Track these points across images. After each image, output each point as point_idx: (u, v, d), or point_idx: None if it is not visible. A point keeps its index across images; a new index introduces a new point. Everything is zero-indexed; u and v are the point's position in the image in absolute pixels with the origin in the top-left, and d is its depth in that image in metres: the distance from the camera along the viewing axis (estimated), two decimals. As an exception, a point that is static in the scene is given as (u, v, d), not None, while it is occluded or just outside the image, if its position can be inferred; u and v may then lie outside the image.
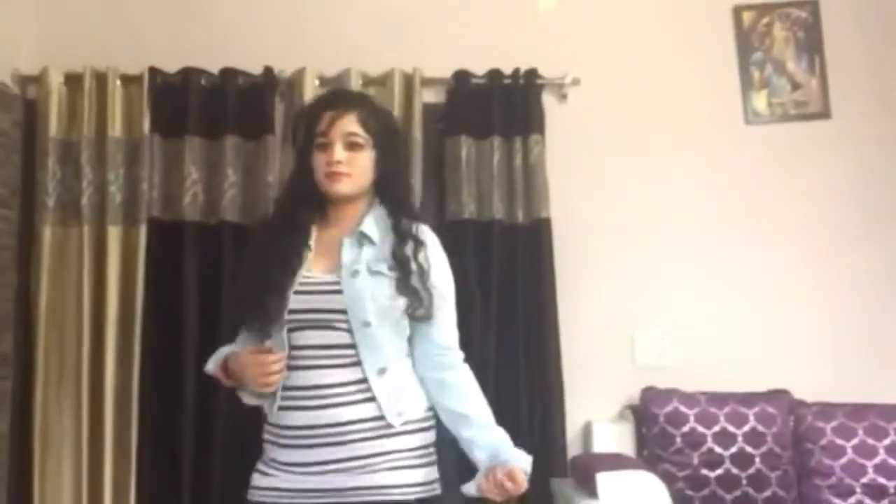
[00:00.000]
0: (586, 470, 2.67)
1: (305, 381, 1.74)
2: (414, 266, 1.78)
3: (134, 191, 3.04)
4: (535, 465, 2.91)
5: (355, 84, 3.10)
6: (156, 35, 3.19)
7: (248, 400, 1.86)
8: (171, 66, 3.09)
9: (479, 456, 1.81)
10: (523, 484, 1.79)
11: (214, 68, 3.10)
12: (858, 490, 2.79)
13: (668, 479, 2.69)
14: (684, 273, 3.24)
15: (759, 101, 3.31)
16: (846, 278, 3.25)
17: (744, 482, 2.82)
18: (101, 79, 3.05)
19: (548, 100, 3.21)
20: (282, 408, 1.78)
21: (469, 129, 3.15)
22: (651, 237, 3.24)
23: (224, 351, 1.91)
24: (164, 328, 3.01)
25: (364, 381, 1.74)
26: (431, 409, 1.87)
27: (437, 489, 1.84)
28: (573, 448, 3.08)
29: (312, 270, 1.78)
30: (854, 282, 3.25)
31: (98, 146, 3.04)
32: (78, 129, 3.04)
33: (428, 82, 3.16)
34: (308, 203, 1.84)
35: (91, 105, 3.04)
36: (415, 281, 1.78)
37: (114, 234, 3.01)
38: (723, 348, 3.20)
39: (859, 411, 2.91)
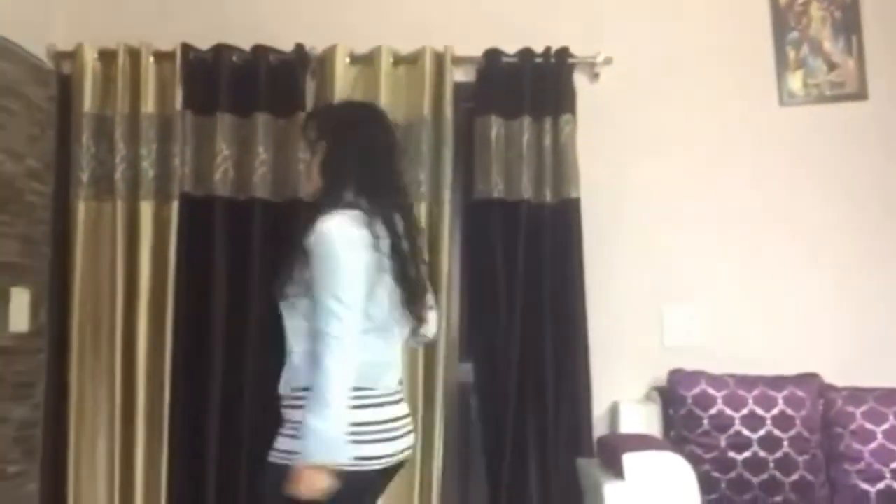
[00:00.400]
0: (613, 450, 2.67)
1: None
2: None
3: (166, 166, 3.06)
4: (562, 444, 2.98)
5: (386, 62, 3.10)
6: (189, 12, 3.21)
7: None
8: (203, 43, 3.10)
9: None
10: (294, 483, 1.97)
11: (246, 45, 3.11)
12: (888, 475, 2.77)
13: (695, 460, 2.69)
14: (714, 255, 3.22)
15: (795, 81, 3.26)
16: (880, 262, 3.22)
17: (771, 465, 2.81)
18: (134, 55, 3.07)
19: (579, 79, 3.18)
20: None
21: (499, 108, 3.14)
22: (681, 218, 3.22)
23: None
24: (195, 302, 3.04)
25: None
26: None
27: None
28: (599, 428, 3.08)
29: None
30: (889, 266, 3.21)
31: (131, 122, 3.06)
32: (112, 105, 3.07)
33: (459, 61, 3.14)
34: None
35: (124, 81, 3.06)
36: None
37: (146, 209, 3.04)
38: (752, 331, 3.18)
39: (890, 396, 2.88)
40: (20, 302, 2.89)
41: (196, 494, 2.99)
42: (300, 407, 2.01)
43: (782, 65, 3.26)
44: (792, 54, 3.27)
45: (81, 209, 3.05)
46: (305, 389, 2.02)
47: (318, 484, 1.94)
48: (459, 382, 3.20)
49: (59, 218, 3.08)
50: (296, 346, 2.11)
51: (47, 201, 3.06)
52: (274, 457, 2.06)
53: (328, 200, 2.14)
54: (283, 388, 2.12)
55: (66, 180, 3.07)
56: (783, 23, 3.27)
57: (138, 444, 2.97)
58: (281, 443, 2.07)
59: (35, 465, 2.99)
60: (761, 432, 2.83)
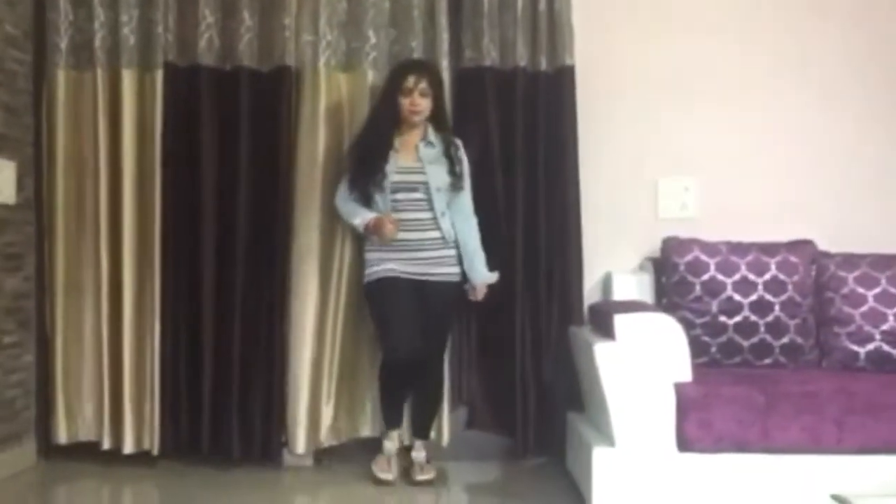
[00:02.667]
0: (604, 315, 2.67)
1: (404, 217, 2.91)
2: (456, 160, 2.96)
3: (148, 34, 2.97)
4: (555, 313, 2.99)
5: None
6: None
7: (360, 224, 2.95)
8: None
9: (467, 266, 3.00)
10: (479, 291, 3.00)
11: None
12: (878, 337, 2.79)
13: (687, 325, 2.69)
14: (709, 124, 3.18)
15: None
16: (876, 130, 3.17)
17: (762, 329, 2.82)
18: (111, -86, 2.94)
19: (575, -60, 3.07)
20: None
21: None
22: (677, 87, 3.17)
23: (363, 214, 2.94)
24: (183, 175, 3.00)
25: (434, 218, 2.93)
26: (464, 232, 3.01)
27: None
28: (592, 298, 3.09)
29: (401, 160, 2.92)
30: (885, 134, 3.17)
31: (110, -14, 2.96)
32: (89, -32, 2.96)
33: (452, -78, 3.02)
34: (393, 123, 2.93)
35: (102, -57, 2.95)
36: (456, 168, 2.94)
37: (128, 78, 2.97)
38: (747, 201, 3.16)
39: (884, 261, 2.88)
40: (6, 173, 2.85)
41: (190, 366, 3.01)
42: (455, 247, 2.97)
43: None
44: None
45: (61, 78, 2.98)
46: (455, 239, 2.98)
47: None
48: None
49: (39, 88, 3.00)
50: (446, 211, 2.95)
51: (27, 70, 2.99)
52: (457, 277, 2.97)
53: (449, 127, 3.03)
54: (448, 237, 2.95)
55: (44, 49, 2.99)
56: None
57: (125, 318, 2.97)
58: (456, 269, 2.97)
59: (30, 335, 3.01)
60: (753, 297, 2.83)
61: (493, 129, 3.06)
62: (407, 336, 2.85)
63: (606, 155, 3.14)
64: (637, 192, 3.19)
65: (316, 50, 3.02)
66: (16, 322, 2.92)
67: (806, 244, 2.95)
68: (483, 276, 2.97)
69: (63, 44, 2.98)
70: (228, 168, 3.01)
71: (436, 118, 2.97)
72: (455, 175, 2.93)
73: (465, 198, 2.99)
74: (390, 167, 2.90)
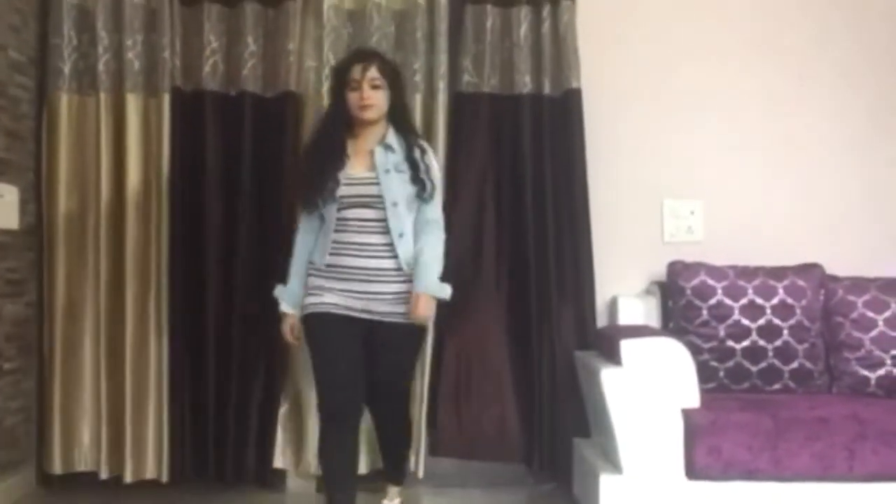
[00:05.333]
0: (610, 339, 2.64)
1: (350, 239, 2.52)
2: (422, 166, 2.55)
3: (153, 59, 2.97)
4: (563, 338, 2.94)
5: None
6: None
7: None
8: (187, -74, 2.98)
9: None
10: (421, 305, 2.48)
11: (231, -71, 2.99)
12: (889, 362, 2.75)
13: (694, 350, 2.65)
14: (716, 146, 3.16)
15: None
16: (884, 154, 3.15)
17: (770, 354, 2.79)
18: (115, -60, 2.96)
19: (578, -37, 3.07)
20: (332, 254, 2.54)
21: (494, -4, 3.04)
22: (684, 108, 3.16)
23: (284, 300, 2.62)
24: (188, 200, 2.98)
25: (390, 242, 2.51)
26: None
27: None
28: (599, 323, 3.05)
29: (353, 170, 2.53)
30: (892, 158, 3.14)
31: (114, 11, 2.97)
32: (93, -6, 2.97)
33: (454, -54, 3.03)
34: (344, 125, 2.58)
35: (106, -31, 2.96)
36: (422, 175, 2.54)
37: (133, 102, 2.97)
38: (754, 224, 3.14)
39: (894, 285, 2.85)
40: (9, 199, 2.84)
41: (193, 391, 2.98)
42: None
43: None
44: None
45: (64, 102, 2.98)
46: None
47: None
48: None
49: (41, 112, 3.00)
50: (407, 231, 2.52)
51: (31, 96, 2.99)
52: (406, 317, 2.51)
53: (413, 126, 2.71)
54: (405, 266, 2.51)
55: (47, 74, 2.99)
56: None
57: (127, 344, 2.94)
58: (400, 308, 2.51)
59: (31, 361, 2.98)
60: (761, 321, 2.80)
61: (493, 154, 3.04)
62: (341, 393, 2.44)
63: (611, 178, 3.12)
64: (643, 215, 3.17)
65: (320, 75, 3.02)
66: (17, 348, 2.90)
67: (814, 268, 2.92)
68: (428, 284, 2.48)
69: (66, 68, 2.98)
70: (233, 193, 2.99)
71: (396, 117, 2.59)
72: (419, 183, 2.51)
73: (432, 210, 2.57)
74: (340, 176, 2.50)
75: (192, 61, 3.02)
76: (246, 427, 2.94)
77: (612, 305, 3.08)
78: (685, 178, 3.16)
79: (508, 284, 3.05)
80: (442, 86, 3.01)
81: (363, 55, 2.61)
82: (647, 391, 2.46)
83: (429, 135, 2.99)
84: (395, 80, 2.59)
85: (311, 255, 2.58)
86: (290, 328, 2.62)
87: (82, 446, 2.97)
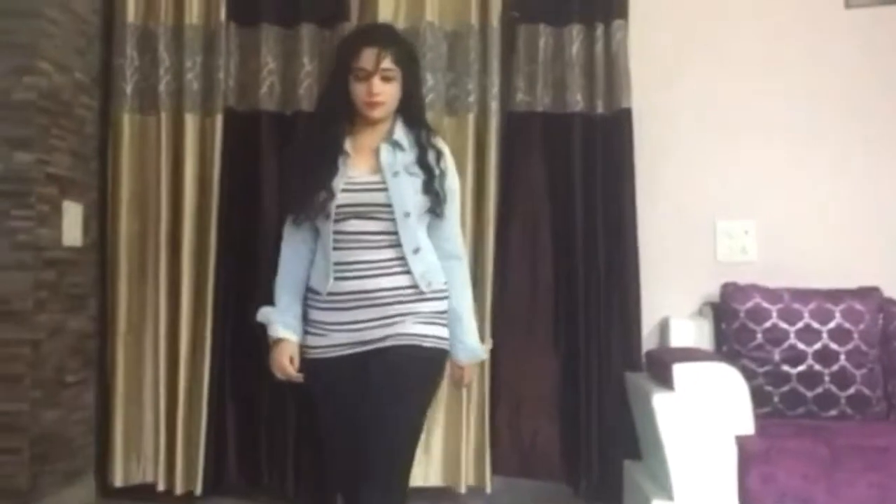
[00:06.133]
0: (661, 363, 2.63)
1: (353, 258, 2.10)
2: (437, 171, 2.15)
3: (210, 79, 3.04)
4: (612, 359, 2.94)
5: (431, -28, 3.01)
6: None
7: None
8: (244, -49, 3.04)
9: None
10: (467, 375, 2.26)
11: (286, -47, 3.04)
12: (951, 390, 2.70)
13: (748, 374, 2.62)
14: (771, 165, 3.12)
15: (863, -18, 3.09)
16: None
17: (826, 379, 2.74)
18: (177, -35, 3.03)
19: (631, -19, 3.07)
20: (335, 278, 2.11)
21: (547, 16, 3.05)
22: (737, 127, 3.12)
23: (275, 321, 2.19)
24: (241, 218, 3.04)
25: (402, 258, 2.10)
26: (447, 282, 2.21)
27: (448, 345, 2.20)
28: (649, 344, 3.04)
29: (354, 172, 2.11)
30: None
31: (175, 34, 3.04)
32: (155, 17, 3.04)
33: (506, -33, 3.05)
34: (343, 118, 2.16)
35: (168, -8, 3.04)
36: (436, 184, 2.14)
37: (190, 122, 3.03)
38: (809, 245, 3.09)
39: (955, 309, 2.79)
40: (73, 216, 2.92)
41: (241, 407, 3.03)
42: (443, 298, 2.16)
43: (849, -35, 3.09)
44: (859, -47, 3.09)
45: (126, 122, 3.05)
46: (445, 283, 2.18)
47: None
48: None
49: (105, 132, 3.08)
50: (423, 246, 2.15)
51: (95, 115, 3.07)
52: (439, 343, 2.14)
53: (426, 121, 2.28)
54: (422, 284, 2.12)
55: (111, 95, 3.07)
56: (851, -80, 3.08)
57: (181, 360, 3.00)
58: (436, 330, 2.14)
59: (92, 374, 3.06)
60: (817, 346, 2.76)
61: (545, 173, 3.04)
62: (355, 462, 2.01)
63: (663, 198, 3.10)
64: (695, 236, 3.13)
65: (373, 94, 3.05)
66: (80, 361, 2.98)
67: (872, 291, 2.86)
68: (472, 350, 2.20)
69: (129, 88, 3.05)
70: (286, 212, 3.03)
71: (406, 109, 2.18)
72: (433, 193, 2.12)
73: (448, 228, 2.18)
74: (337, 182, 2.08)
75: (250, 82, 3.07)
76: (300, 443, 2.98)
77: (664, 326, 3.06)
78: (738, 197, 3.13)
79: (559, 303, 3.05)
80: (495, 106, 3.02)
81: (377, 37, 2.16)
82: (700, 417, 2.44)
83: (482, 155, 3.01)
84: (410, 69, 2.17)
85: (306, 278, 2.18)
86: (291, 359, 2.16)
87: (142, 458, 3.04)
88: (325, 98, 2.27)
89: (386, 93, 2.12)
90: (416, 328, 2.08)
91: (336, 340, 2.12)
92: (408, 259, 2.09)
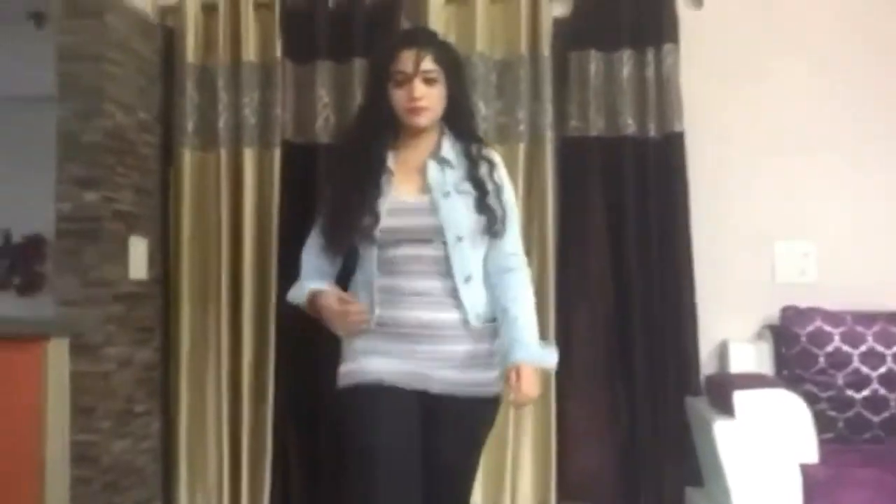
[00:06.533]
0: (722, 388, 2.61)
1: (403, 286, 1.97)
2: (490, 186, 2.02)
3: (267, 115, 3.11)
4: (670, 383, 2.92)
5: (482, 2, 3.04)
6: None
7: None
8: (300, -10, 3.12)
9: (502, 348, 2.03)
10: (526, 380, 1.94)
11: (341, -10, 3.11)
12: None
13: (810, 399, 2.60)
14: (829, 186, 3.08)
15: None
16: None
17: (893, 404, 2.69)
18: (234, 6, 3.11)
19: (682, 6, 3.06)
20: (383, 305, 1.98)
21: (597, 42, 3.06)
22: (793, 148, 3.09)
23: (308, 286, 2.10)
24: (301, 248, 3.07)
25: (454, 288, 1.96)
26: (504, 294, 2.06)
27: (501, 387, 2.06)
28: (708, 367, 3.02)
29: (400, 192, 1.99)
30: None
31: (233, 72, 3.12)
32: (214, 56, 3.13)
33: (555, -5, 3.07)
34: (385, 131, 2.02)
35: (226, 32, 3.12)
36: (492, 200, 2.01)
37: (249, 157, 3.11)
38: (870, 266, 3.04)
39: None
40: (138, 250, 3.01)
41: (304, 441, 3.07)
42: (493, 336, 2.03)
43: (904, -15, 3.05)
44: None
45: (187, 158, 3.14)
46: (493, 319, 2.04)
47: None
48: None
49: (166, 168, 3.17)
50: (475, 274, 2.00)
51: (157, 152, 3.16)
52: (492, 389, 2.03)
53: (476, 131, 2.16)
54: (473, 318, 1.97)
55: (172, 132, 3.16)
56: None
57: (244, 385, 3.05)
58: (491, 374, 2.02)
59: (157, 404, 3.14)
60: (882, 370, 2.71)
61: (601, 198, 3.05)
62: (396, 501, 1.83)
63: (720, 220, 3.07)
64: (753, 258, 3.10)
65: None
66: (146, 392, 3.07)
67: (937, 313, 2.81)
68: (531, 351, 1.97)
69: (189, 126, 3.14)
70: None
71: (453, 120, 2.05)
72: (489, 212, 1.97)
73: (508, 243, 2.04)
74: (382, 204, 1.94)
75: (306, 115, 3.13)
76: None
77: (723, 350, 3.03)
78: (797, 219, 3.09)
79: (616, 326, 3.04)
80: (549, 135, 3.03)
81: (414, 38, 2.03)
82: (763, 445, 2.42)
83: (534, 184, 3.02)
84: (454, 71, 2.02)
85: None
86: (337, 299, 1.98)
87: (207, 487, 3.11)
88: (364, 111, 2.10)
89: (430, 96, 1.97)
90: (478, 375, 1.99)
91: (379, 367, 1.94)
92: (458, 289, 1.95)
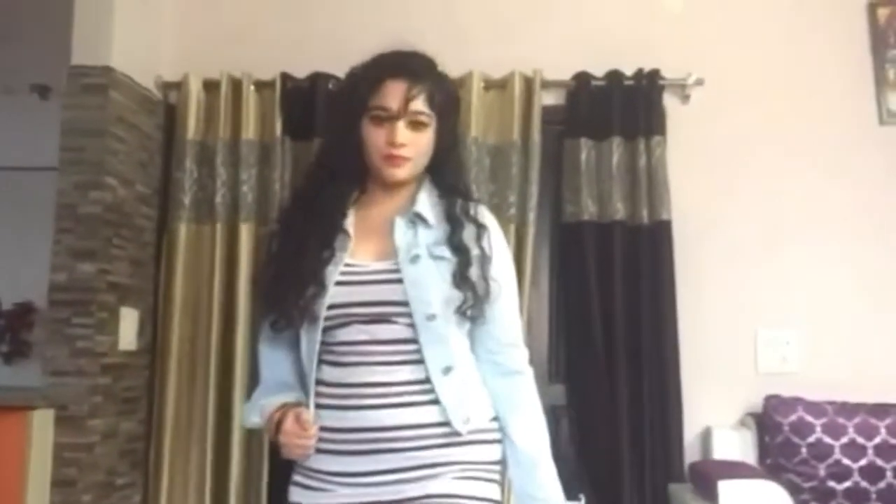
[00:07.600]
0: (706, 477, 2.63)
1: (353, 378, 1.52)
2: (475, 252, 1.57)
3: (265, 190, 3.17)
4: (655, 469, 2.93)
5: (477, 87, 3.14)
6: (287, 42, 3.32)
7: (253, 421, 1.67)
8: (301, 71, 3.21)
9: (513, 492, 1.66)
10: None
11: (341, 72, 3.17)
12: None
13: (793, 490, 2.61)
14: (811, 277, 3.15)
15: (895, 100, 3.17)
16: None
17: (873, 497, 2.72)
18: (236, 84, 3.20)
19: (669, 100, 3.18)
20: (323, 406, 1.55)
21: (589, 130, 3.16)
22: (776, 240, 3.17)
23: (261, 403, 1.65)
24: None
25: (426, 380, 1.52)
26: (501, 415, 1.63)
27: None
28: (691, 454, 3.03)
29: (356, 257, 1.56)
30: None
31: (232, 148, 3.19)
32: (214, 132, 3.20)
33: (548, 84, 3.17)
34: (350, 179, 1.59)
35: (227, 109, 3.19)
36: (473, 272, 1.55)
37: (245, 232, 3.15)
38: (852, 356, 3.09)
39: None
40: (129, 321, 3.03)
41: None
42: (492, 442, 1.58)
43: (882, 83, 3.18)
44: (892, 73, 3.18)
45: (183, 231, 3.18)
46: (494, 419, 1.61)
47: None
48: (549, 405, 3.19)
49: (160, 240, 3.21)
50: (459, 363, 1.55)
51: (153, 224, 3.21)
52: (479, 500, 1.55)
53: (465, 185, 1.71)
54: (457, 422, 1.52)
55: (168, 205, 3.21)
56: (883, 41, 3.19)
57: (233, 461, 3.03)
58: (484, 489, 1.55)
59: (139, 476, 3.12)
60: (863, 462, 2.74)
61: (593, 283, 3.10)
62: None
63: (703, 307, 3.13)
64: (735, 345, 3.15)
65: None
66: (129, 464, 3.04)
67: (918, 406, 2.86)
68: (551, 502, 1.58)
69: (187, 199, 3.19)
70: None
71: (441, 173, 1.64)
72: (468, 285, 1.53)
73: (500, 333, 1.61)
74: (331, 272, 1.53)
75: (302, 192, 3.20)
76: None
77: (706, 437, 3.05)
78: (779, 307, 3.15)
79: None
80: (533, 218, 3.09)
81: (405, 66, 1.59)
82: (747, 536, 2.42)
83: (520, 264, 3.04)
84: (448, 116, 1.62)
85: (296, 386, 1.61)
86: (296, 416, 1.53)
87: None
88: (325, 151, 1.68)
89: (415, 144, 1.56)
90: (455, 486, 1.50)
91: (342, 498, 1.51)
92: (434, 383, 1.49)
